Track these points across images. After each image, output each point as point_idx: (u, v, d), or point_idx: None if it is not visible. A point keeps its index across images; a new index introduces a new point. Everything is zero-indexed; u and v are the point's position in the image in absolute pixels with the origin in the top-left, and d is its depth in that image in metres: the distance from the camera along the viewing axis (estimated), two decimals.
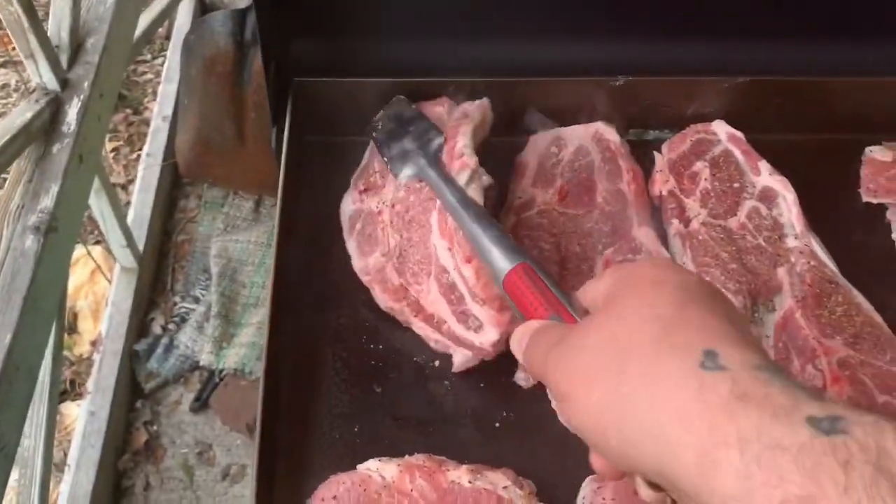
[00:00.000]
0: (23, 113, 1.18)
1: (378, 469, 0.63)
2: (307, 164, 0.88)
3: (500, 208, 0.82)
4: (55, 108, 1.23)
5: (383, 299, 0.76)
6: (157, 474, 1.56)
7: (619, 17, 0.82)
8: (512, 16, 0.83)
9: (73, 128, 1.23)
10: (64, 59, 1.27)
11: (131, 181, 1.96)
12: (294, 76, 0.84)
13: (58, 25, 1.28)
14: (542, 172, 0.81)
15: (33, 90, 1.23)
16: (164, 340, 1.65)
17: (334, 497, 0.61)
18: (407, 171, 0.78)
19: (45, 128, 1.21)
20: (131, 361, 1.63)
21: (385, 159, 0.81)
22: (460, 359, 0.73)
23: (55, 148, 1.21)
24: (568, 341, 0.42)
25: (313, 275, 0.81)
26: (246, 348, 1.60)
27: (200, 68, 1.67)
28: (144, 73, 2.30)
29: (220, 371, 1.61)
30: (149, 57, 2.31)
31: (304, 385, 0.74)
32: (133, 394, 1.63)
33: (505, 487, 0.62)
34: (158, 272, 1.80)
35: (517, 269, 0.56)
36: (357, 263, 0.79)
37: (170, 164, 1.86)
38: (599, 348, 0.40)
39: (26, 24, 1.13)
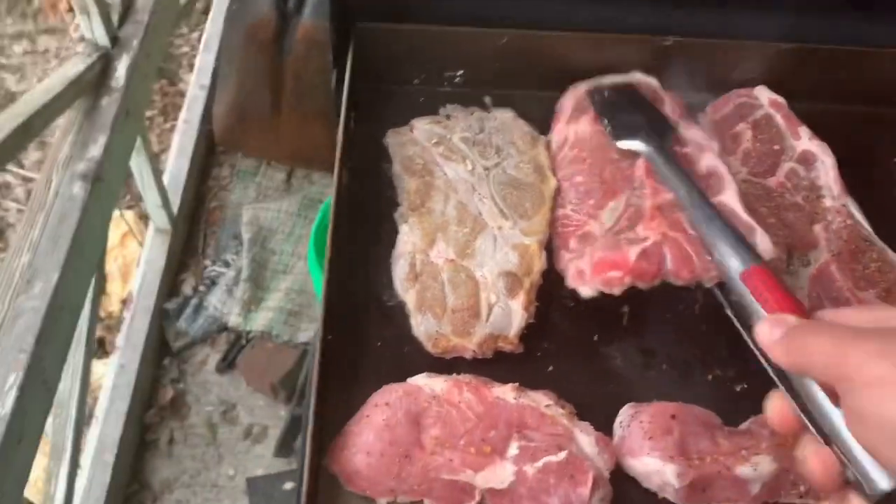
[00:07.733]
0: (75, 66, 1.21)
1: (427, 383, 0.66)
2: (364, 107, 0.88)
3: None
4: (105, 63, 1.26)
5: None
6: (181, 430, 1.60)
7: None
8: None
9: (121, 83, 1.26)
10: (115, 17, 1.30)
11: (164, 150, 1.99)
12: (356, 21, 0.85)
13: None
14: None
15: (85, 44, 1.26)
16: (194, 301, 1.68)
17: (387, 403, 0.64)
18: (631, 143, 0.77)
19: (94, 81, 1.24)
20: (161, 320, 1.66)
21: (605, 122, 0.80)
22: None
23: (104, 101, 1.24)
24: None
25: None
26: (274, 312, 1.63)
27: (241, 37, 1.69)
28: (180, 45, 2.33)
29: (248, 333, 1.64)
30: (185, 30, 2.34)
31: (360, 308, 0.75)
32: (161, 351, 1.67)
33: (547, 406, 0.65)
34: (190, 236, 1.83)
35: (759, 269, 0.58)
36: None
37: (205, 134, 1.90)
38: None
39: None
